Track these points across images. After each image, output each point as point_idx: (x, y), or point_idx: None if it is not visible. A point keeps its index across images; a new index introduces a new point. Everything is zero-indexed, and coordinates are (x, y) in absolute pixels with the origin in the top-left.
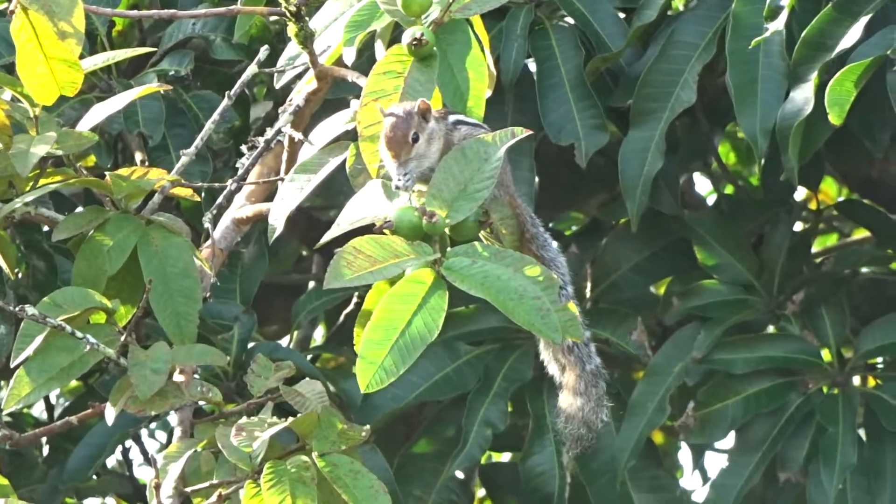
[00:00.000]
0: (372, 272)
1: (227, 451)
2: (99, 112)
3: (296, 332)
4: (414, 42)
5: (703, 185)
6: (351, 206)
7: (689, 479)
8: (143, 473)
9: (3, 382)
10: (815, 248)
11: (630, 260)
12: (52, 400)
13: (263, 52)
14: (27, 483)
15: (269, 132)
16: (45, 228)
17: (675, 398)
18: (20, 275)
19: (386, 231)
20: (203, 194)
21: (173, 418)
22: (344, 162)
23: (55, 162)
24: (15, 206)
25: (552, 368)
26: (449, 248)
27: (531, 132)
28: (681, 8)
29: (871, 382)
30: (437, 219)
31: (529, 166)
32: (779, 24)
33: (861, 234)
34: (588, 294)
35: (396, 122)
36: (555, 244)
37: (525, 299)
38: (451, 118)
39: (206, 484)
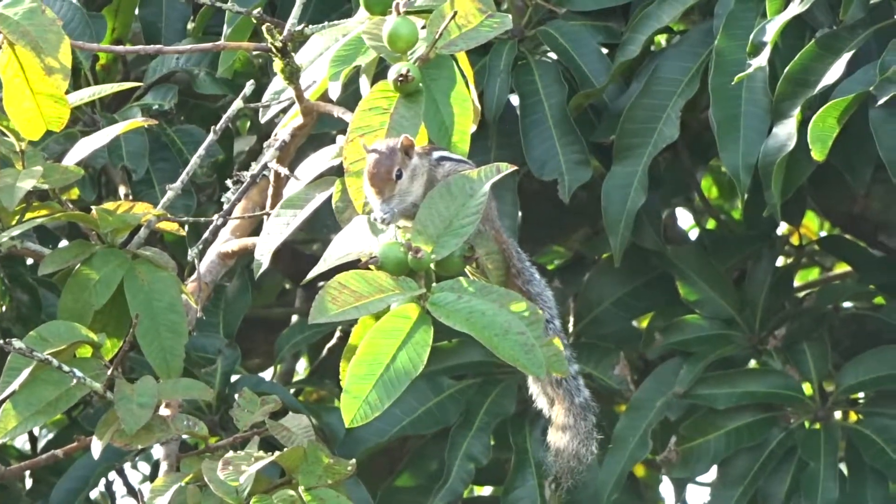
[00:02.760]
0: (357, 307)
1: (213, 484)
2: (84, 146)
3: (279, 366)
4: (400, 78)
5: (685, 219)
6: (337, 242)
7: None
8: None
9: None
10: (796, 283)
11: (613, 295)
12: (36, 432)
13: (249, 86)
14: None
15: (255, 167)
16: (30, 262)
17: (657, 432)
18: (4, 308)
19: (371, 266)
20: (187, 228)
21: (158, 451)
22: (329, 197)
23: (40, 196)
24: (1, 240)
25: (540, 402)
26: (434, 284)
27: (516, 168)
28: (664, 44)
29: (853, 417)
30: (423, 254)
31: (513, 201)
32: (762, 60)
33: (842, 268)
34: (571, 328)
35: (379, 159)
36: (541, 278)
37: (510, 335)
38: (435, 154)
39: None
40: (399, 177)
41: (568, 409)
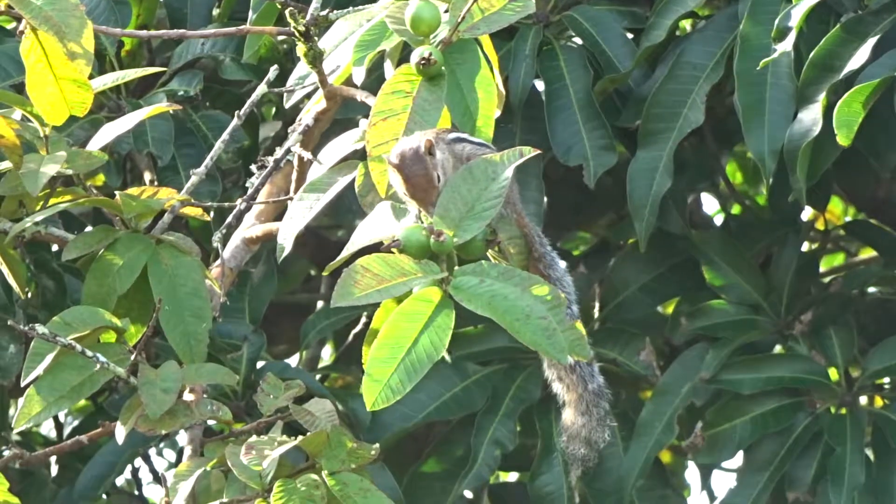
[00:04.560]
0: (379, 290)
1: (237, 469)
2: (109, 132)
3: (304, 352)
4: (422, 61)
5: (710, 204)
6: (361, 229)
7: (697, 499)
8: (152, 492)
9: (11, 401)
10: (822, 268)
11: (638, 280)
12: (62, 418)
13: (273, 71)
14: (37, 502)
15: (279, 152)
16: (54, 247)
17: (683, 418)
18: (29, 294)
19: (394, 250)
20: (212, 214)
21: (183, 437)
22: (352, 181)
23: (65, 181)
24: (26, 226)
25: (556, 387)
26: (456, 267)
27: (539, 151)
28: (689, 29)
29: (879, 402)
30: (445, 238)
31: (538, 186)
32: (787, 45)
33: (868, 253)
34: (596, 314)
35: (413, 172)
36: (562, 263)
37: (532, 319)
38: (449, 136)
39: (217, 503)
40: (439, 179)
41: (581, 396)
